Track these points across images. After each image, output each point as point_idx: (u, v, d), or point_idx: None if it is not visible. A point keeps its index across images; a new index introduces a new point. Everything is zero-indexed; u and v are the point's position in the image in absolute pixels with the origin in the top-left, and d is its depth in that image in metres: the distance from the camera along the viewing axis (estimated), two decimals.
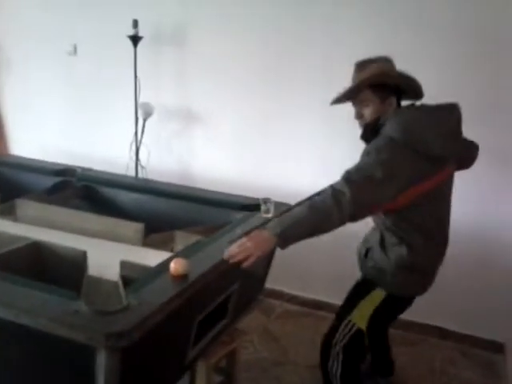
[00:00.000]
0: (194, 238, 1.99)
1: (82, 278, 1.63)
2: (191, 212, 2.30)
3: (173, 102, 3.16)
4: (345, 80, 2.64)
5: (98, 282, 1.67)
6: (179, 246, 2.03)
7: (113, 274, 1.67)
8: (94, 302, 1.26)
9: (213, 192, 2.42)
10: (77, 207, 2.38)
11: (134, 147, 3.17)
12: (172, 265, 1.46)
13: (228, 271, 1.62)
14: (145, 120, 3.11)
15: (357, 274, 2.70)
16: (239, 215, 2.21)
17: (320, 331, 2.90)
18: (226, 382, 2.13)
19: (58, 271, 1.75)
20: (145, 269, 1.66)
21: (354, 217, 1.62)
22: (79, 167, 2.67)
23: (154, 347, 1.35)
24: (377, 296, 1.88)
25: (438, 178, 1.75)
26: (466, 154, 1.94)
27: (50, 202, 2.32)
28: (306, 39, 2.80)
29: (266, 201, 2.12)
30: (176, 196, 2.38)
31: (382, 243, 1.85)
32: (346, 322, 1.91)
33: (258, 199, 2.19)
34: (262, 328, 2.88)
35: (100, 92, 3.34)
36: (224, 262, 1.59)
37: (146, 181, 2.68)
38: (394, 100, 1.78)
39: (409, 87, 1.79)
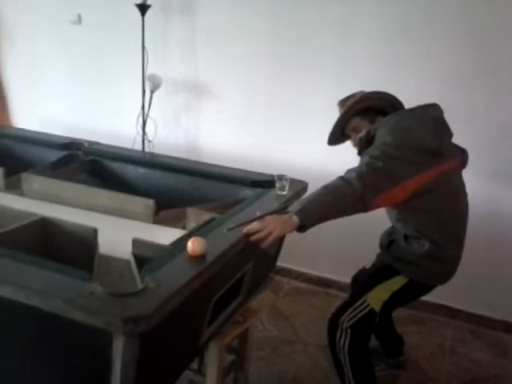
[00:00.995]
0: (206, 216, 1.93)
1: (93, 256, 1.58)
2: (202, 188, 2.23)
3: (181, 74, 3.06)
4: (359, 49, 2.55)
5: (110, 260, 1.62)
6: (192, 223, 1.97)
7: (124, 252, 1.62)
8: (109, 283, 1.20)
9: (224, 167, 2.35)
10: (84, 182, 2.30)
11: (140, 120, 3.09)
12: (189, 244, 1.40)
13: (244, 250, 1.57)
14: (152, 92, 3.01)
15: (366, 253, 2.69)
16: (252, 192, 2.15)
17: (329, 310, 2.88)
18: (237, 362, 2.10)
19: (67, 249, 1.69)
20: (158, 247, 1.60)
21: (364, 199, 1.62)
22: (86, 141, 2.59)
23: (171, 330, 1.30)
24: (398, 281, 1.90)
25: (439, 169, 1.77)
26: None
27: (56, 177, 2.25)
28: (320, 7, 2.68)
29: (281, 177, 2.05)
30: (186, 171, 2.30)
31: (406, 237, 1.89)
32: (360, 301, 1.91)
33: (271, 175, 2.13)
34: (271, 306, 2.85)
35: (106, 64, 3.23)
36: (241, 240, 1.54)
37: (155, 155, 2.60)
38: (381, 119, 1.88)
39: (390, 103, 1.90)
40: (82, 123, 3.30)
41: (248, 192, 2.15)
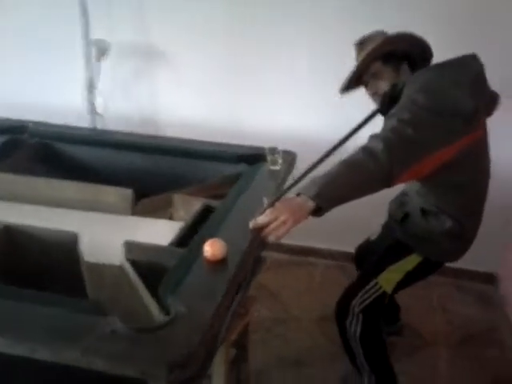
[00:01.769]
0: (196, 202, 1.69)
1: (77, 268, 1.32)
2: (180, 168, 1.98)
3: (130, 39, 2.68)
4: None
5: (98, 269, 1.36)
6: (180, 211, 1.73)
7: (110, 254, 1.37)
8: (129, 315, 0.96)
9: (203, 142, 2.09)
10: (36, 172, 1.96)
11: (87, 93, 2.71)
12: (207, 248, 1.18)
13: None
14: (98, 60, 2.63)
15: (347, 217, 2.42)
16: (239, 168, 1.92)
17: (315, 280, 2.80)
18: (240, 356, 1.93)
19: (43, 263, 1.40)
20: (156, 249, 1.37)
21: (392, 175, 1.39)
22: (30, 121, 2.21)
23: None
24: (411, 261, 1.75)
25: (473, 136, 1.56)
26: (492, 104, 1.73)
27: (2, 169, 1.90)
28: None
29: (273, 151, 1.84)
30: (158, 150, 2.04)
31: (423, 211, 1.70)
32: (371, 284, 1.76)
33: (261, 148, 1.91)
34: (255, 283, 2.67)
35: (41, 29, 2.77)
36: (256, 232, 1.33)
37: (117, 133, 2.25)
38: (406, 67, 1.65)
39: (416, 48, 1.64)
40: (18, 101, 2.85)
41: (235, 168, 1.93)
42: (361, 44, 1.67)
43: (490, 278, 2.74)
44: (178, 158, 1.98)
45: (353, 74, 1.66)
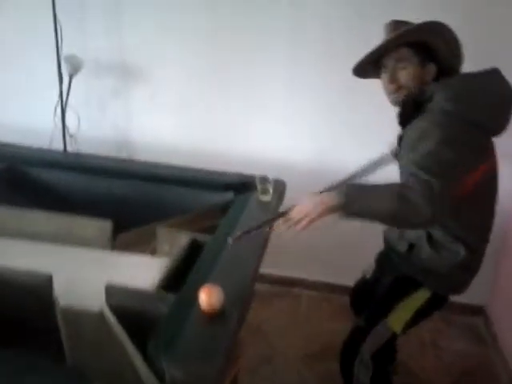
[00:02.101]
0: (182, 236, 1.55)
1: (51, 316, 1.15)
2: (163, 196, 1.84)
3: (105, 55, 2.54)
4: (318, 19, 2.22)
5: (75, 318, 1.19)
6: (165, 246, 1.58)
7: (88, 297, 1.20)
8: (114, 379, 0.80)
9: (184, 168, 1.96)
10: (1, 200, 1.77)
11: (59, 112, 2.54)
12: (203, 297, 1.04)
13: None
14: (71, 77, 2.47)
15: (330, 245, 2.52)
16: (227, 197, 1.80)
17: (299, 312, 2.67)
18: None
19: (10, 312, 1.21)
20: (142, 294, 1.21)
21: (443, 210, 1.29)
22: None
23: None
24: (421, 297, 1.60)
25: (494, 158, 1.49)
26: None
27: None
28: None
29: (264, 180, 1.72)
30: (137, 176, 1.89)
31: (431, 241, 1.55)
32: (379, 326, 1.61)
33: (250, 176, 1.80)
34: None
35: (10, 44, 2.60)
36: (256, 266, 1.20)
37: (91, 157, 2.09)
38: (434, 68, 1.46)
39: (449, 53, 1.46)
40: None
41: (224, 197, 1.80)
42: (397, 23, 1.46)
43: (479, 311, 2.67)
44: (161, 185, 1.84)
45: (376, 50, 1.44)
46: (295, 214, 1.26)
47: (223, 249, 1.32)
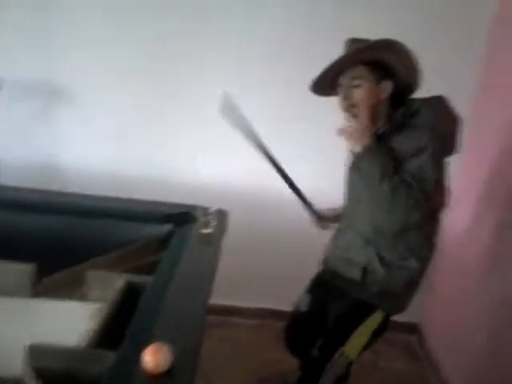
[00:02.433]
0: (116, 277, 1.41)
1: None
2: (94, 232, 1.68)
3: (29, 76, 2.32)
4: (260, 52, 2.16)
5: None
6: (96, 290, 1.43)
7: (9, 358, 1.05)
8: None
9: (117, 199, 1.81)
10: None
11: None
12: (149, 358, 0.91)
13: None
14: None
15: (264, 271, 2.48)
16: (165, 230, 1.68)
17: (239, 343, 2.56)
18: None
19: None
20: (72, 353, 1.06)
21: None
22: None
23: None
24: (376, 320, 1.59)
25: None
26: None
27: None
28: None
29: (205, 211, 1.62)
30: (65, 210, 1.71)
31: (383, 262, 1.54)
32: (336, 356, 1.57)
33: (187, 206, 1.70)
34: None
35: None
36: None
37: (11, 189, 1.86)
38: (390, 85, 1.46)
39: (407, 73, 1.47)
40: None
41: (161, 230, 1.67)
42: (355, 40, 1.47)
43: (412, 329, 2.71)
44: (93, 219, 1.68)
45: (331, 68, 1.45)
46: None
47: (166, 292, 1.21)
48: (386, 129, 1.48)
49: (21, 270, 1.37)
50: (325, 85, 1.52)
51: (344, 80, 1.46)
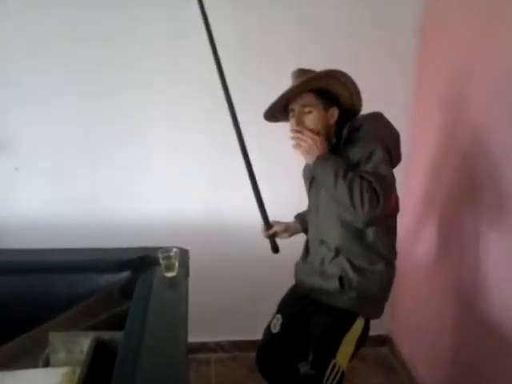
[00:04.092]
0: (82, 336, 1.29)
1: None
2: (47, 290, 1.55)
3: None
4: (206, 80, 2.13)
5: None
6: (61, 353, 1.30)
7: None
8: None
9: (66, 251, 1.69)
10: None
11: None
12: None
13: None
14: None
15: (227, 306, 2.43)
16: (123, 277, 1.57)
17: (208, 379, 2.44)
18: None
19: None
20: None
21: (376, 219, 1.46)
22: None
23: None
24: (359, 326, 1.63)
25: None
26: None
27: None
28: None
29: (167, 253, 1.53)
30: (10, 268, 1.57)
31: (356, 268, 1.60)
32: (329, 369, 1.57)
33: (146, 249, 1.62)
34: None
35: None
36: None
37: None
38: (337, 111, 1.61)
39: (351, 100, 1.61)
40: None
41: (118, 278, 1.57)
42: (302, 71, 1.59)
43: (383, 340, 2.71)
44: (43, 275, 1.55)
45: (281, 97, 1.56)
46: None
47: (142, 348, 1.11)
48: (334, 144, 1.61)
49: None
50: (277, 112, 1.65)
51: (295, 106, 1.58)
